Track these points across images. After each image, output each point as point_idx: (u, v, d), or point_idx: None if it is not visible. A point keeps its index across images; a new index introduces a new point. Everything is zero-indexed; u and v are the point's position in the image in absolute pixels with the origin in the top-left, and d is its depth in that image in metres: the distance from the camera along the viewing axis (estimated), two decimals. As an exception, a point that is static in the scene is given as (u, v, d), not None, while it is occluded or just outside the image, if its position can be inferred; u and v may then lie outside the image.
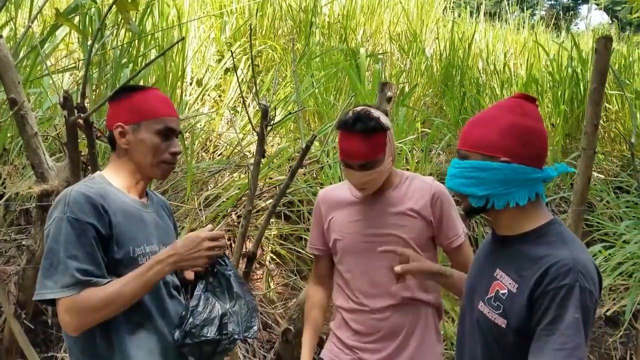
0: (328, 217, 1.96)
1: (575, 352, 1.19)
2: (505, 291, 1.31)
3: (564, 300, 1.20)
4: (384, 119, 1.79)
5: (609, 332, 4.03)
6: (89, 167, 2.31)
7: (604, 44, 3.09)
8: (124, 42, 3.52)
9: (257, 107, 4.30)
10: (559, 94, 5.54)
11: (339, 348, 1.97)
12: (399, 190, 1.88)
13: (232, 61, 4.67)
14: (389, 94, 2.67)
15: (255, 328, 1.61)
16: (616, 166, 5.42)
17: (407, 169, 4.27)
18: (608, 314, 3.92)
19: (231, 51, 2.58)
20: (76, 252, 1.39)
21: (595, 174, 4.91)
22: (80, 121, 2.12)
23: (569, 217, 3.24)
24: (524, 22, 9.34)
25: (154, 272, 1.45)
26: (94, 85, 3.31)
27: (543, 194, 1.37)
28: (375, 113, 1.79)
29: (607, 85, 3.52)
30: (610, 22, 13.92)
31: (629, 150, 5.13)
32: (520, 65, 7.02)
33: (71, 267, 1.38)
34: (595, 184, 4.82)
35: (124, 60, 3.46)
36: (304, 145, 2.65)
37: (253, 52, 4.30)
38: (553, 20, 10.73)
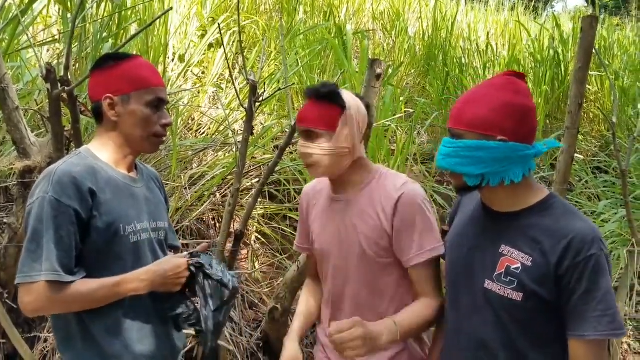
0: (308, 212, 1.87)
1: (617, 316, 1.25)
2: (518, 265, 1.33)
3: (595, 269, 1.25)
4: (347, 97, 1.64)
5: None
6: (73, 143, 2.25)
7: (589, 22, 3.10)
8: (104, 15, 3.42)
9: (243, 84, 4.23)
10: (540, 74, 5.59)
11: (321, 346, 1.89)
12: (368, 189, 1.69)
13: (215, 37, 4.58)
14: (379, 70, 2.63)
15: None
16: (595, 147, 5.50)
17: (393, 150, 4.27)
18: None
19: (219, 24, 2.51)
20: (55, 236, 1.35)
21: (574, 154, 4.98)
22: (64, 95, 2.06)
23: (551, 195, 3.31)
24: (503, 4, 9.36)
25: (129, 288, 1.43)
26: (74, 60, 3.21)
27: (534, 168, 1.38)
28: (344, 92, 1.66)
29: (589, 65, 3.55)
30: (586, 4, 14.05)
31: (608, 130, 5.22)
32: (503, 45, 7.05)
33: (52, 254, 1.35)
34: (574, 164, 4.89)
35: (105, 35, 3.35)
36: (292, 122, 2.62)
37: (237, 28, 4.22)
38: (533, 2, 10.78)
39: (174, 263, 1.49)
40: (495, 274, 1.36)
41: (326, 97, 1.61)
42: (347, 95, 1.66)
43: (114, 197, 1.45)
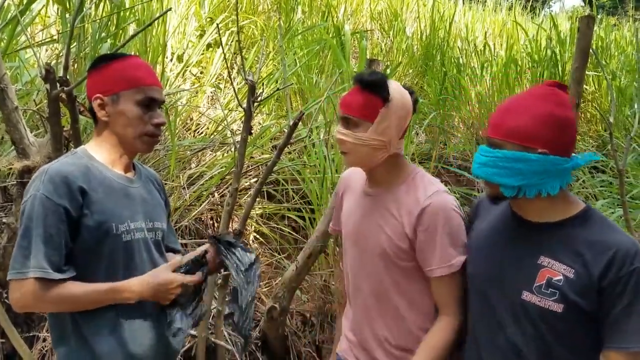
0: (342, 197, 1.87)
1: None
2: (560, 277, 1.32)
3: (637, 282, 1.26)
4: (393, 89, 1.59)
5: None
6: (72, 143, 2.25)
7: (586, 22, 3.11)
8: (103, 15, 3.42)
9: (241, 84, 4.24)
10: (538, 74, 5.60)
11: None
12: (399, 189, 1.65)
13: (213, 37, 4.59)
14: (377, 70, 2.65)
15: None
16: (592, 146, 5.52)
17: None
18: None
19: (217, 24, 2.52)
20: (45, 234, 1.36)
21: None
22: (63, 95, 2.06)
23: (549, 195, 3.32)
24: (500, 4, 9.38)
25: (120, 297, 1.44)
26: (73, 60, 3.21)
27: (571, 181, 1.40)
28: (391, 82, 1.61)
29: (586, 65, 3.56)
30: (583, 4, 14.08)
31: (605, 130, 5.24)
32: (500, 45, 7.07)
33: (40, 251, 1.35)
34: (572, 164, 4.91)
35: (103, 35, 3.36)
36: (291, 122, 2.62)
37: (236, 28, 4.23)
38: (530, 2, 10.80)
39: (167, 278, 1.49)
40: (535, 285, 1.35)
41: (371, 86, 1.57)
42: (394, 87, 1.61)
43: (107, 196, 1.45)
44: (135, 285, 1.45)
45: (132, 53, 3.79)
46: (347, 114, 1.60)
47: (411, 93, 1.65)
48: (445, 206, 1.57)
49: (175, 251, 1.74)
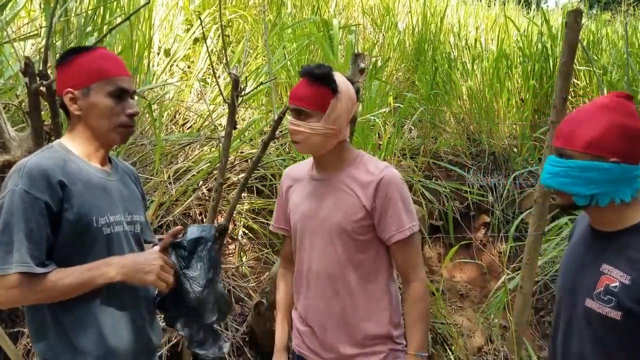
0: (288, 193, 1.94)
1: None
2: (617, 284, 1.34)
3: None
4: (339, 80, 1.72)
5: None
6: (53, 137, 2.24)
7: (574, 17, 3.11)
8: (88, 9, 3.39)
9: (228, 78, 4.22)
10: (529, 69, 5.60)
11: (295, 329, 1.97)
12: (349, 169, 1.79)
13: (201, 31, 4.56)
14: (362, 65, 2.63)
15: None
16: (583, 140, 5.52)
17: (380, 144, 4.27)
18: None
19: (200, 19, 2.50)
20: (26, 229, 1.35)
21: (562, 148, 4.99)
22: (43, 89, 2.05)
23: (537, 190, 3.31)
24: (495, -1, 9.36)
25: (98, 274, 1.41)
26: (57, 54, 3.18)
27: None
28: (337, 74, 1.73)
29: (575, 61, 3.56)
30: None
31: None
32: (492, 40, 7.06)
33: (23, 246, 1.34)
34: (562, 158, 4.91)
35: (89, 29, 3.33)
36: (276, 117, 2.61)
37: (223, 22, 4.20)
38: (525, -4, 10.78)
39: (146, 253, 1.50)
40: (595, 292, 1.38)
41: (320, 79, 1.69)
42: (340, 79, 1.74)
43: (86, 190, 1.45)
44: (114, 259, 1.45)
45: (119, 47, 3.77)
46: (300, 105, 1.72)
47: (353, 83, 1.80)
48: (396, 177, 1.75)
49: (151, 244, 1.74)
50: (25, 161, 1.42)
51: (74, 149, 1.51)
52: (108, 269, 1.43)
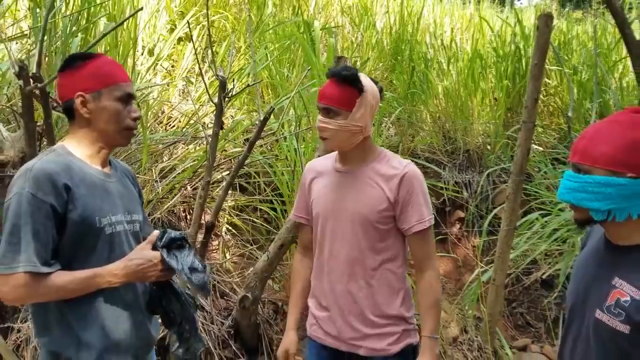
0: (311, 184, 2.06)
1: None
2: (628, 298, 1.35)
3: None
4: (364, 81, 1.86)
5: (544, 294, 4.35)
6: (45, 138, 2.30)
7: (544, 21, 3.27)
8: (73, 10, 3.42)
9: (212, 78, 4.28)
10: (502, 69, 5.75)
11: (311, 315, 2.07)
12: (373, 165, 1.93)
13: (185, 31, 4.61)
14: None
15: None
16: (554, 139, 5.71)
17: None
18: (544, 277, 4.22)
19: (188, 22, 2.57)
20: (33, 230, 1.43)
21: (534, 146, 5.17)
22: (37, 91, 2.11)
23: (509, 186, 3.47)
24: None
25: (103, 282, 1.52)
26: (45, 56, 3.21)
27: None
28: (362, 75, 1.87)
29: (547, 60, 3.70)
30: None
31: (566, 123, 5.44)
32: (467, 40, 7.20)
33: (30, 247, 1.42)
34: (534, 156, 5.09)
35: (74, 29, 3.36)
36: (261, 117, 2.71)
37: (205, 22, 4.26)
38: (498, -5, 10.95)
39: (145, 257, 1.57)
40: (606, 305, 1.40)
41: (347, 80, 1.84)
42: (365, 80, 1.88)
43: (89, 192, 1.53)
44: (115, 269, 1.53)
45: (104, 46, 3.81)
46: (329, 104, 1.86)
47: (376, 83, 1.94)
48: (418, 173, 1.91)
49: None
50: (30, 165, 1.49)
51: (77, 151, 1.59)
52: (111, 279, 1.53)
